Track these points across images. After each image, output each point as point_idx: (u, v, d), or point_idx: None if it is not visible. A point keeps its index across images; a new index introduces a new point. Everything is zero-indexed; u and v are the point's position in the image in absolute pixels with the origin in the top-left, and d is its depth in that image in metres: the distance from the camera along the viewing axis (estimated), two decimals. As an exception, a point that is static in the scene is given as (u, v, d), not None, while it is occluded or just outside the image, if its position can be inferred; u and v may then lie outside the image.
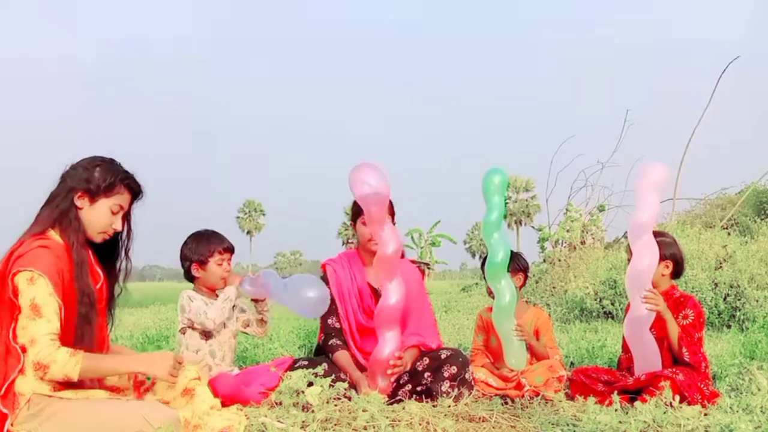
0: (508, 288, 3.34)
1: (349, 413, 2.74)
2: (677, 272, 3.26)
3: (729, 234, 9.39)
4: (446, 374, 3.08)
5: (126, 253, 2.53)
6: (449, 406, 2.95)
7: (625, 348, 3.29)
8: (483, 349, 3.66)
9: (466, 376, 3.11)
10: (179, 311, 3.20)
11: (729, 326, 6.32)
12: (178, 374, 2.30)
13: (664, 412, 2.59)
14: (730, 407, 2.75)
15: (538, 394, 3.22)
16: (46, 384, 2.22)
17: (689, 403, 2.76)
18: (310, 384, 2.82)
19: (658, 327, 3.11)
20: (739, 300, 6.50)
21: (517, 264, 3.58)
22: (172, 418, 2.18)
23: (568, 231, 10.07)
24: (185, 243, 3.25)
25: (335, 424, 2.63)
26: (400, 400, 3.05)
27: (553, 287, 9.02)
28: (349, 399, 2.86)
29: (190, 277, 3.27)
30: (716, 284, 6.69)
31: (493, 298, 3.41)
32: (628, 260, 3.16)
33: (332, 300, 3.30)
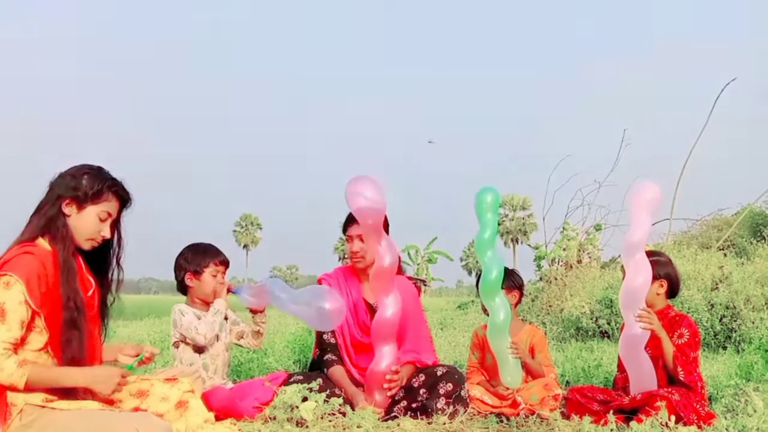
0: (502, 306, 3.34)
1: (344, 429, 2.73)
2: (672, 292, 3.27)
3: (725, 255, 9.39)
4: (442, 391, 3.07)
5: (117, 262, 2.53)
6: (444, 424, 2.94)
7: (621, 367, 3.28)
8: (478, 367, 3.65)
9: (462, 393, 3.10)
10: (172, 325, 3.20)
11: (725, 347, 6.31)
12: (120, 390, 2.29)
13: (660, 432, 2.58)
14: (726, 429, 2.74)
15: (533, 413, 3.21)
16: (38, 394, 2.21)
17: (685, 424, 2.75)
18: (305, 399, 2.81)
19: (653, 346, 3.10)
20: (735, 321, 6.49)
21: (511, 281, 3.58)
22: (165, 429, 2.17)
23: (564, 250, 10.06)
24: (181, 253, 3.25)
25: (329, 440, 2.62)
26: (395, 417, 3.04)
27: (549, 306, 9.00)
28: (344, 415, 2.84)
29: (183, 288, 3.26)
30: (712, 305, 6.69)
31: (488, 315, 3.41)
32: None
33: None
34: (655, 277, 3.16)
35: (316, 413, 2.76)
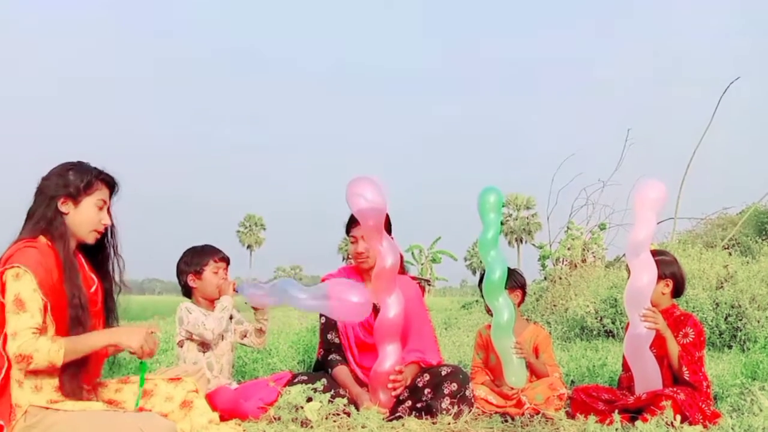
0: (506, 306, 3.34)
1: (348, 429, 2.73)
2: (678, 291, 3.26)
3: (730, 254, 9.37)
4: (446, 391, 3.06)
5: (115, 251, 2.54)
6: (449, 424, 2.94)
7: (626, 367, 3.27)
8: (483, 367, 3.65)
9: (467, 393, 3.10)
10: (177, 323, 3.20)
11: (730, 346, 6.29)
12: (152, 348, 2.30)
13: (665, 432, 2.58)
14: (732, 428, 2.73)
15: (538, 413, 3.20)
16: (42, 395, 2.21)
17: (690, 423, 2.74)
18: (310, 399, 2.81)
19: (658, 345, 3.10)
20: (740, 320, 6.47)
21: (514, 281, 3.58)
22: (169, 430, 2.18)
23: (569, 249, 10.04)
24: (181, 258, 3.28)
25: (334, 440, 2.62)
26: (400, 417, 3.04)
27: (554, 305, 8.99)
28: (348, 415, 2.84)
29: (187, 292, 3.28)
30: (717, 304, 6.67)
31: (492, 315, 3.41)
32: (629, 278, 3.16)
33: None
34: (661, 277, 3.15)
35: (321, 413, 2.76)
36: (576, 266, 9.81)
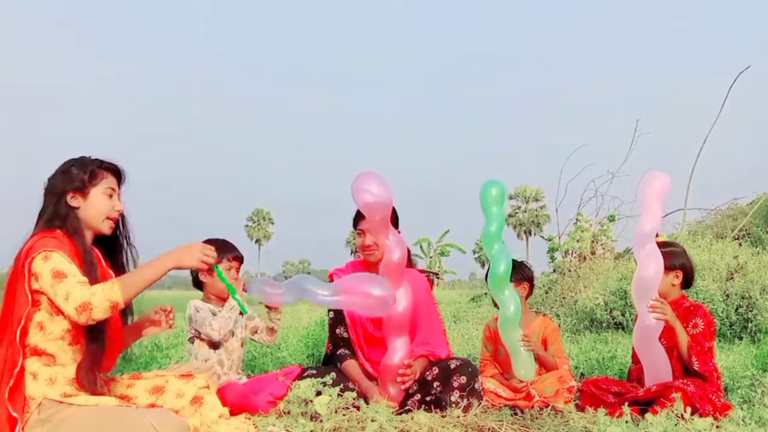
0: (512, 298, 3.33)
1: (358, 423, 2.73)
2: (687, 282, 3.25)
3: (740, 245, 9.31)
4: (456, 384, 3.07)
5: (128, 241, 2.55)
6: (458, 417, 2.94)
7: (636, 359, 3.26)
8: (492, 360, 3.65)
9: (476, 386, 3.10)
10: (187, 321, 3.21)
11: (741, 338, 6.26)
12: (210, 260, 2.31)
13: (676, 424, 2.57)
14: (743, 419, 2.72)
15: (547, 405, 3.20)
16: (57, 389, 2.23)
17: (701, 415, 2.73)
18: (319, 393, 2.82)
19: (668, 337, 3.09)
20: (750, 311, 6.44)
21: (521, 273, 3.57)
22: (180, 425, 2.19)
23: (578, 241, 10.01)
24: None
25: (343, 434, 2.62)
26: (409, 410, 3.04)
27: (563, 297, 8.97)
28: (358, 408, 2.85)
29: (198, 284, 3.29)
30: (728, 295, 6.64)
31: (499, 309, 3.40)
32: None
33: (340, 310, 3.31)
34: (670, 268, 3.14)
35: (330, 407, 2.77)
36: (585, 258, 9.78)
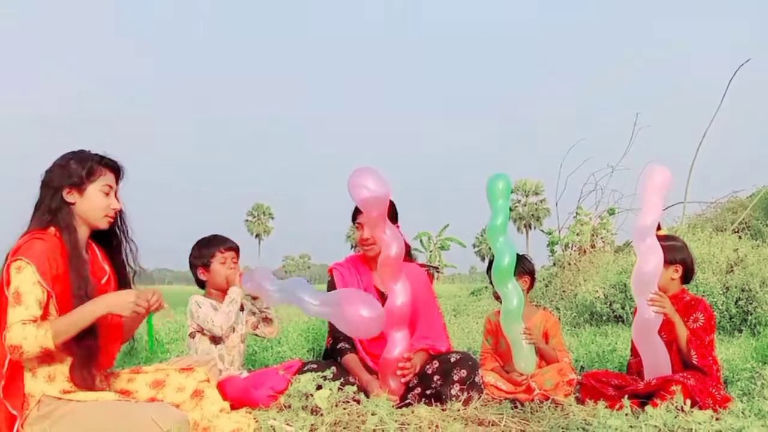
0: (515, 292, 3.34)
1: (358, 416, 2.73)
2: (687, 276, 3.25)
3: (740, 237, 9.30)
4: (456, 378, 3.07)
5: (126, 236, 2.55)
6: (459, 410, 2.94)
7: (635, 352, 3.27)
8: (492, 353, 3.65)
9: (476, 379, 3.10)
10: (188, 316, 3.22)
11: (740, 330, 6.27)
12: (149, 301, 2.28)
13: (676, 417, 2.57)
14: (742, 412, 2.73)
15: (548, 398, 3.21)
16: (56, 385, 2.23)
17: (701, 408, 2.74)
18: (319, 387, 2.82)
19: (668, 330, 3.09)
20: (750, 304, 6.45)
21: (522, 267, 3.57)
22: (181, 419, 2.19)
23: (578, 234, 10.02)
24: (191, 251, 3.29)
25: (344, 428, 2.63)
26: (410, 404, 3.04)
27: (563, 291, 8.99)
28: (358, 402, 2.85)
29: (200, 283, 3.30)
30: (727, 288, 6.64)
31: (500, 302, 3.40)
32: None
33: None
34: (670, 262, 3.14)
35: (331, 401, 2.77)
36: (585, 252, 9.79)
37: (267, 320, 3.36)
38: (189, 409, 2.37)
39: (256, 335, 3.42)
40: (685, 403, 2.67)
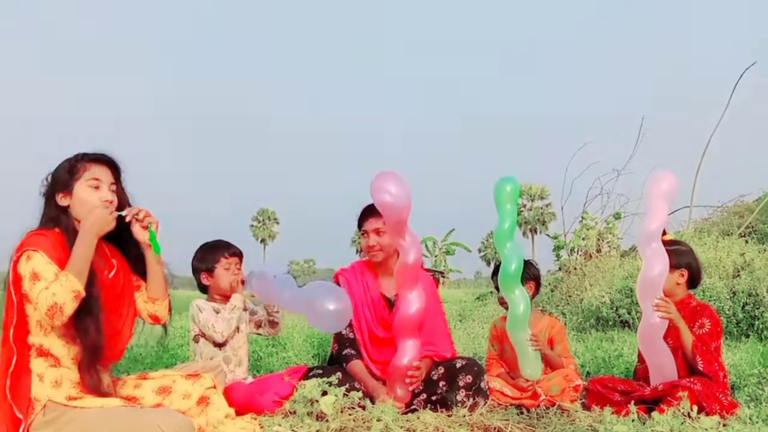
0: (522, 298, 3.32)
1: (364, 423, 2.73)
2: (693, 281, 3.24)
3: (747, 242, 9.26)
4: (461, 383, 3.06)
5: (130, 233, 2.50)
6: (464, 416, 2.94)
7: (642, 358, 3.26)
8: (498, 359, 3.64)
9: (482, 385, 3.09)
10: (191, 320, 3.22)
11: (747, 335, 6.24)
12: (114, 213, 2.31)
13: (682, 423, 2.56)
14: (750, 418, 2.71)
15: (554, 404, 3.20)
16: (62, 391, 2.24)
17: (707, 414, 2.73)
18: (325, 393, 2.81)
19: (674, 336, 3.08)
20: (757, 309, 6.41)
21: (528, 273, 3.55)
22: (186, 425, 2.19)
23: (583, 239, 10.00)
24: (194, 255, 3.30)
25: (349, 434, 2.62)
26: (415, 410, 3.04)
27: (569, 296, 8.96)
28: (364, 408, 2.85)
29: (203, 288, 3.30)
30: (734, 293, 6.61)
31: (505, 307, 3.39)
32: None
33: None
34: (676, 267, 3.13)
35: (336, 407, 2.76)
36: (591, 256, 9.78)
37: (273, 323, 3.37)
38: (195, 415, 2.37)
39: (259, 334, 3.42)
40: (692, 409, 2.66)
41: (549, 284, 9.81)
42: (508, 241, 3.31)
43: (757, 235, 10.93)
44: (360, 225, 3.33)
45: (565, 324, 6.13)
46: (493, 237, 3.40)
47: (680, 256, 3.16)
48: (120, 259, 2.51)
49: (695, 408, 2.67)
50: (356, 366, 3.22)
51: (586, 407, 3.17)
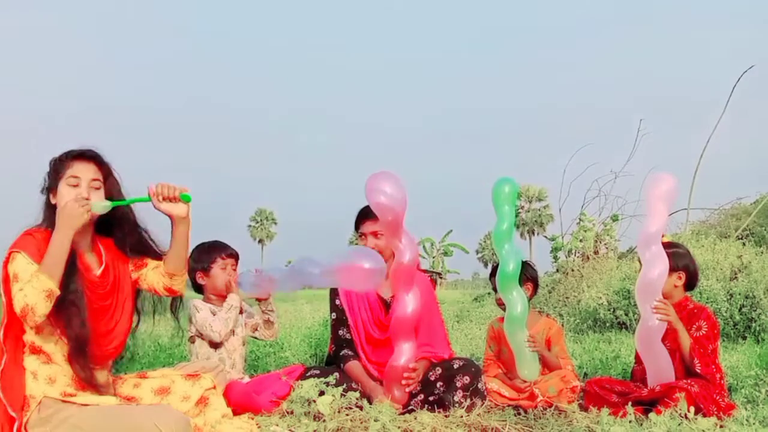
0: (519, 299, 3.32)
1: (361, 423, 2.73)
2: (691, 284, 3.24)
3: (744, 244, 9.28)
4: (459, 384, 3.06)
5: (132, 226, 2.53)
6: (461, 417, 2.94)
7: (639, 359, 3.26)
8: (495, 360, 3.64)
9: (479, 386, 3.10)
10: (187, 321, 3.22)
11: (744, 337, 6.25)
12: (87, 205, 2.28)
13: (679, 424, 2.57)
14: (746, 419, 2.72)
15: (551, 405, 3.20)
16: (57, 388, 2.24)
17: (704, 415, 2.73)
18: (322, 393, 2.81)
19: (672, 339, 3.08)
20: (754, 311, 6.43)
21: (525, 274, 3.55)
22: (183, 422, 2.18)
23: (581, 241, 10.00)
24: (190, 255, 3.28)
25: (346, 434, 2.62)
26: (412, 410, 3.04)
27: (567, 297, 8.97)
28: (361, 408, 2.85)
29: (197, 288, 3.30)
30: (731, 295, 6.63)
31: (503, 308, 3.39)
32: None
33: (342, 311, 3.31)
34: (674, 269, 3.13)
35: (333, 407, 2.76)
36: (588, 258, 9.78)
37: (268, 323, 3.36)
38: (192, 415, 2.37)
39: (255, 338, 3.42)
40: (689, 411, 2.66)
41: (546, 286, 9.81)
42: (506, 243, 3.31)
43: (754, 237, 10.96)
44: (357, 228, 3.32)
45: (563, 325, 6.14)
46: (490, 238, 3.40)
47: (678, 258, 3.17)
48: (114, 255, 2.50)
49: (692, 409, 2.67)
50: (354, 366, 3.22)
51: (583, 408, 3.17)
